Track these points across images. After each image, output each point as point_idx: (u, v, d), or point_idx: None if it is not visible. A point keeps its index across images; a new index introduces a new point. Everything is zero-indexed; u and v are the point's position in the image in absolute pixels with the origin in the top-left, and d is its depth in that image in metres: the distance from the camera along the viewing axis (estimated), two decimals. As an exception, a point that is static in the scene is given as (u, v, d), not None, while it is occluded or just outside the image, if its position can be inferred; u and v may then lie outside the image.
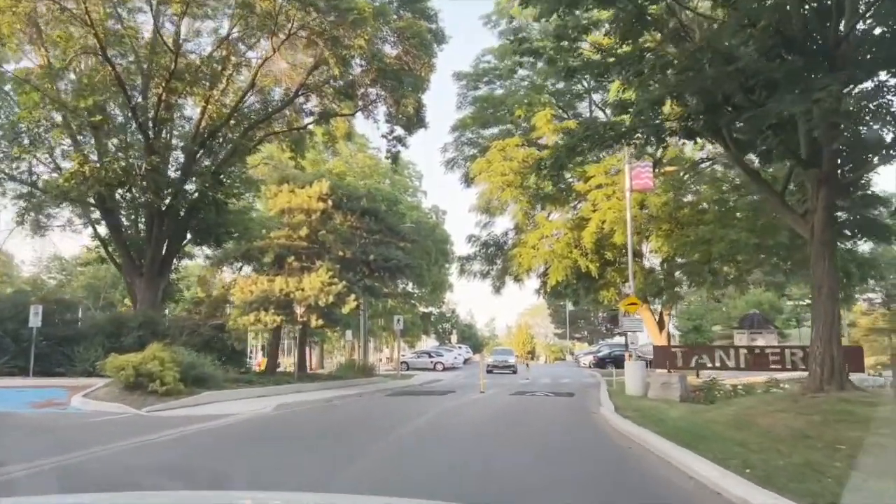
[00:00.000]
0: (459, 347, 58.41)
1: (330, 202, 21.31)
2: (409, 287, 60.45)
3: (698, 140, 13.89)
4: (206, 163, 26.82)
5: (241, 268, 22.27)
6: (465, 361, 56.90)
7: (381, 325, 57.96)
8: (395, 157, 28.98)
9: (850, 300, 25.75)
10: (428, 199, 70.56)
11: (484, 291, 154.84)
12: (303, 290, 19.90)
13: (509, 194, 22.28)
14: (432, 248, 52.96)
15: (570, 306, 77.48)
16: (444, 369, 44.06)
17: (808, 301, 58.57)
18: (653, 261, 27.26)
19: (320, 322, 20.87)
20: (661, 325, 26.14)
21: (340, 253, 22.79)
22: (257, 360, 56.84)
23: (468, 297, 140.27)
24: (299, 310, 21.32)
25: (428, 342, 74.28)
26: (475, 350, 79.93)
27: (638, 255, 25.73)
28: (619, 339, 73.53)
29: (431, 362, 44.77)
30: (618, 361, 43.24)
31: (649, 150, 19.60)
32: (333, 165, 47.98)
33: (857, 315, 32.89)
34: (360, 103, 28.16)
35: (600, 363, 42.42)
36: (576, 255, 23.16)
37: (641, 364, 19.61)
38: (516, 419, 13.65)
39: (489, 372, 28.64)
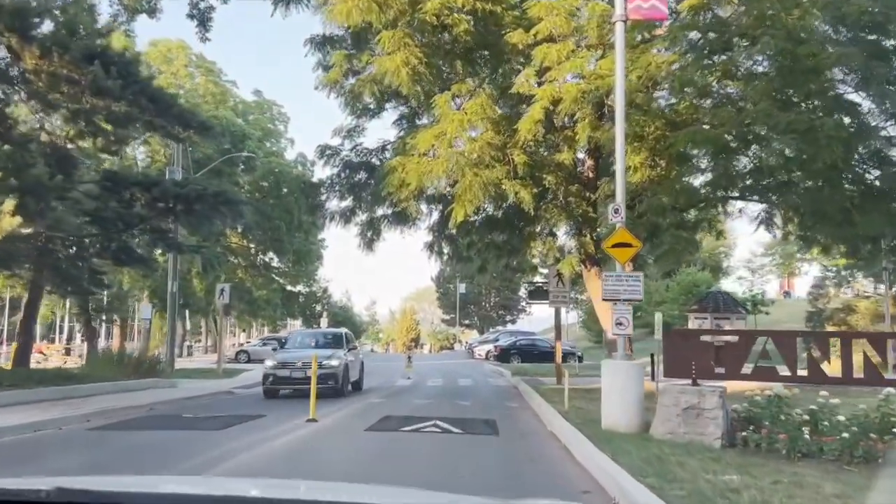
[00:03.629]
0: (326, 333, 47.25)
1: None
2: (269, 258, 48.82)
3: None
4: None
5: None
6: (335, 350, 45.95)
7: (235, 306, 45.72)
8: (203, 20, 17.54)
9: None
10: (295, 148, 58.18)
11: (363, 268, 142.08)
12: None
13: (390, 40, 11.49)
14: (295, 206, 41.49)
15: (461, 289, 68.40)
16: (299, 361, 32.89)
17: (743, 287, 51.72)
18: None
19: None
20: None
21: (39, 129, 11.24)
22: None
23: (344, 275, 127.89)
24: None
25: (295, 327, 62.26)
26: (350, 337, 69.01)
27: (590, 183, 15.98)
28: (514, 327, 65.16)
29: (281, 352, 33.33)
30: (525, 353, 34.24)
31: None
32: (162, 83, 35.15)
33: (855, 298, 25.64)
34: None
35: (503, 355, 32.92)
36: (499, 173, 13.05)
37: (637, 369, 9.72)
38: None
39: (270, 393, 14.94)
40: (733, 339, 9.30)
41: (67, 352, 33.58)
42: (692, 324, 24.78)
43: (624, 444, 8.00)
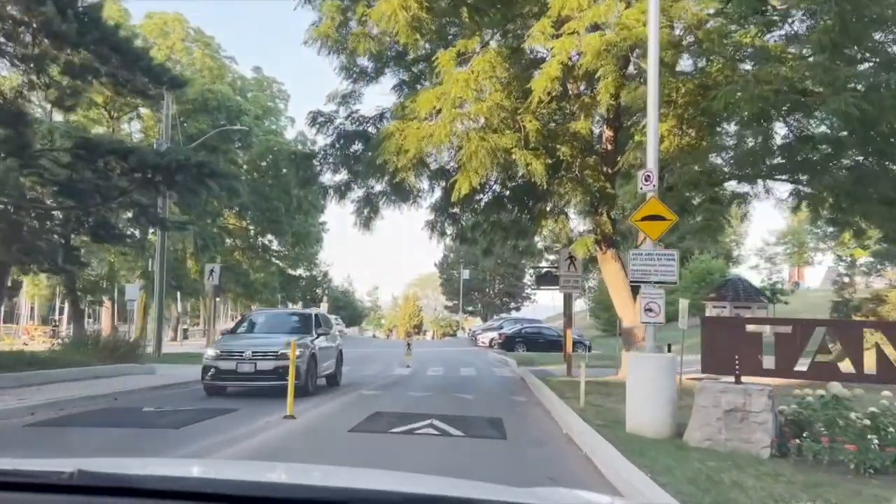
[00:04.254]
0: (326, 318, 45.94)
1: None
2: (269, 240, 47.50)
3: None
4: None
5: None
6: (334, 336, 44.61)
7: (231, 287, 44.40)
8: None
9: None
10: (296, 127, 56.62)
11: (365, 253, 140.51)
12: None
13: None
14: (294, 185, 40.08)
15: (465, 275, 67.05)
16: (295, 347, 31.61)
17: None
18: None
19: None
20: (634, 288, 15.21)
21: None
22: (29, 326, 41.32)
23: (346, 260, 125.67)
24: None
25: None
26: (350, 322, 67.72)
27: (609, 157, 14.53)
28: (518, 314, 63.72)
29: (277, 336, 31.99)
30: (531, 342, 32.86)
31: None
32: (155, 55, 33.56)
33: (885, 288, 24.01)
34: None
35: (507, 343, 31.56)
36: (509, 141, 11.61)
37: (669, 363, 8.29)
38: None
39: (211, 390, 11.98)
40: (786, 329, 7.88)
41: (55, 333, 32.37)
42: (710, 312, 23.44)
43: (659, 454, 6.62)
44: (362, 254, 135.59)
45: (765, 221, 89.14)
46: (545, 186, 12.48)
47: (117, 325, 35.02)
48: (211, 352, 12.49)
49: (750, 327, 8.04)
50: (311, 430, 8.16)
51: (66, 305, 45.18)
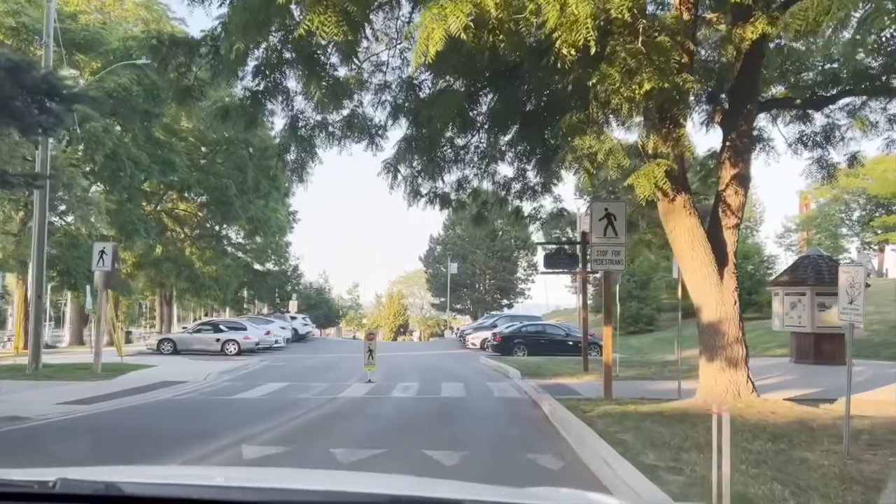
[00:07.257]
0: (290, 318, 39.70)
1: None
2: (226, 229, 41.27)
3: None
4: None
5: None
6: (301, 338, 38.38)
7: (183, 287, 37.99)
8: None
9: None
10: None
11: (346, 246, 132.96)
12: None
13: None
14: (249, 163, 34.04)
15: (453, 269, 60.88)
16: (240, 353, 25.33)
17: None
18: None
19: None
20: (719, 253, 9.29)
21: None
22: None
23: (322, 255, 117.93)
24: None
25: (262, 311, 54.31)
26: (326, 322, 61.40)
27: (687, 27, 8.57)
28: (511, 311, 57.69)
29: (218, 341, 25.63)
30: (532, 343, 26.62)
31: None
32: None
33: None
34: None
35: (504, 346, 25.38)
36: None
37: None
38: None
39: None
40: None
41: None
42: (782, 302, 17.48)
43: None
44: (342, 249, 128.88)
45: (781, 206, 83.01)
46: (595, 48, 6.42)
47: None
48: None
49: None
50: None
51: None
